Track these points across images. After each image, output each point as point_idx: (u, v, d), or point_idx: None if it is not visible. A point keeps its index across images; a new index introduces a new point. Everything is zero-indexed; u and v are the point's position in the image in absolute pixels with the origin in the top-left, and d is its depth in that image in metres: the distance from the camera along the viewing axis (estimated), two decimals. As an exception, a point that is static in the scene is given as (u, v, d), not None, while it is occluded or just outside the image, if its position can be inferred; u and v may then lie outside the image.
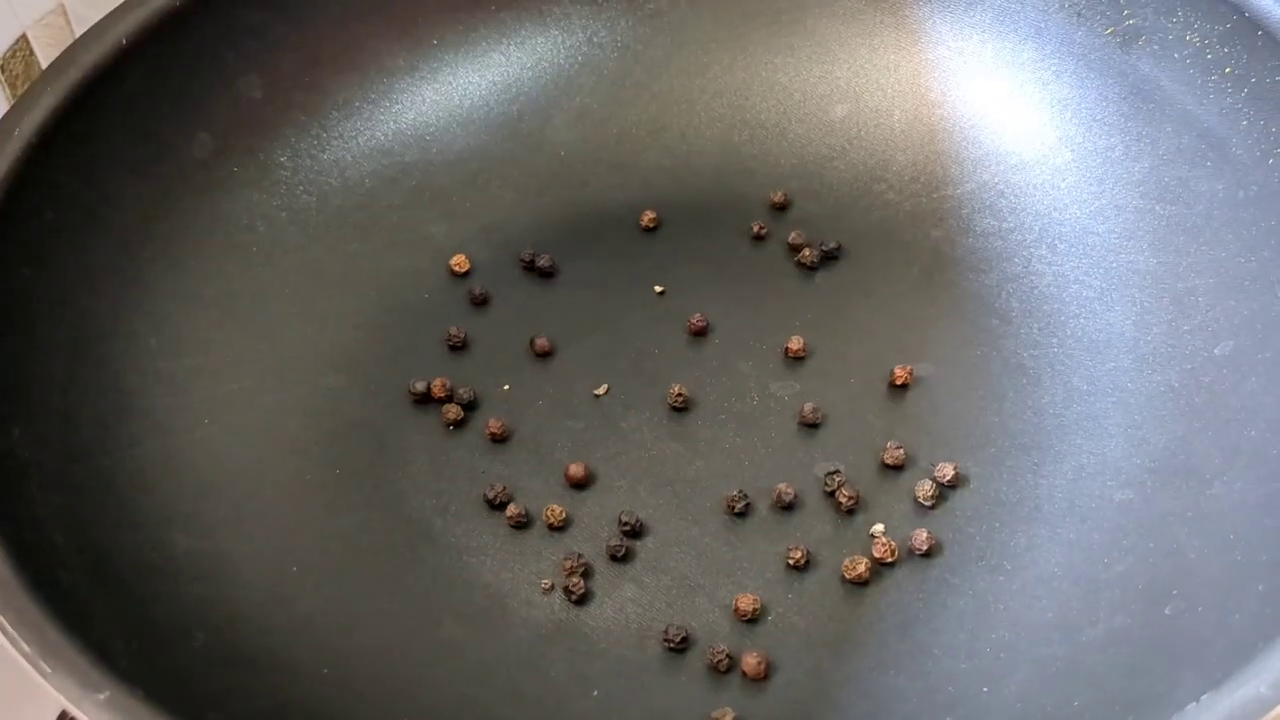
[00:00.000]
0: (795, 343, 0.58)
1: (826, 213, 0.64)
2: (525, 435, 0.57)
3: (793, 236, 0.62)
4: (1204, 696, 0.34)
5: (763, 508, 0.53)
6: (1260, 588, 0.41)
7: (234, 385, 0.57)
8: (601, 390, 0.57)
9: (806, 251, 0.62)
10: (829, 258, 0.62)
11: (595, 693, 0.48)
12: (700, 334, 0.60)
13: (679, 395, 0.56)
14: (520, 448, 0.56)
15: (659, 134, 0.68)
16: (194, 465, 0.53)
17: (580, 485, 0.54)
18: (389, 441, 0.56)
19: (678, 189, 0.66)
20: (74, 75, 0.54)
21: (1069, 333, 0.57)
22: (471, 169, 0.66)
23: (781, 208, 0.64)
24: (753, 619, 0.49)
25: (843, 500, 0.53)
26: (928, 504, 0.52)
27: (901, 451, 0.54)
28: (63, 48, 0.55)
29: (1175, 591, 0.45)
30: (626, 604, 0.51)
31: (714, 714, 0.46)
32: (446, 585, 0.51)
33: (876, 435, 0.55)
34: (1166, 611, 0.45)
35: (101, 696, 0.36)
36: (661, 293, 0.61)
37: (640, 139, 0.67)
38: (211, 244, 0.60)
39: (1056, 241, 0.60)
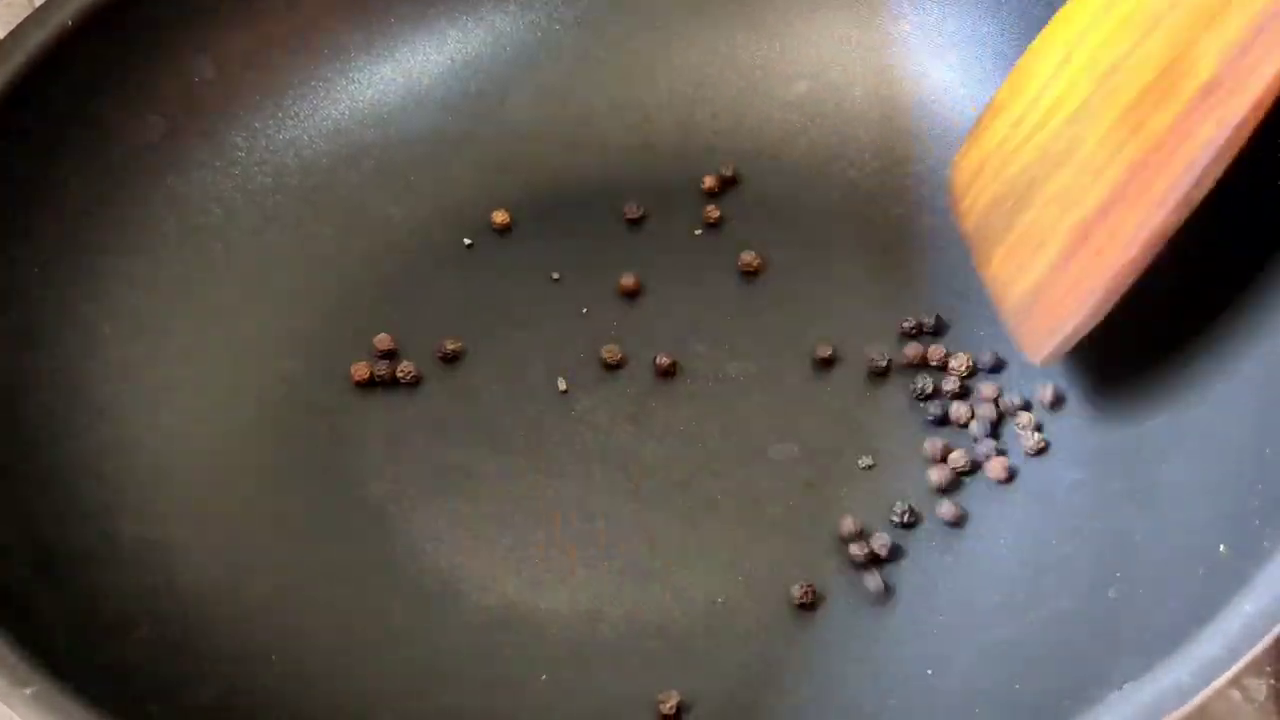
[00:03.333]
0: (751, 322, 0.58)
1: (786, 191, 0.64)
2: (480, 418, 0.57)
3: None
4: (1126, 685, 0.34)
5: (717, 491, 0.53)
6: (1201, 570, 0.41)
7: (188, 370, 0.57)
8: (562, 387, 0.57)
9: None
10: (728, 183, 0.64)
11: (544, 677, 0.48)
12: (659, 317, 0.59)
13: (614, 359, 0.57)
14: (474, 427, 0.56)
15: (620, 112, 0.67)
16: (144, 452, 0.53)
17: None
18: (343, 426, 0.56)
19: (639, 168, 0.65)
20: (18, 59, 0.54)
21: (1025, 312, 0.57)
22: (429, 148, 0.66)
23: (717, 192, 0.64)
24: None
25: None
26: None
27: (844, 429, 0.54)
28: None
29: (1119, 574, 0.45)
30: (578, 589, 0.51)
31: (659, 697, 0.46)
32: (399, 571, 0.51)
33: (831, 416, 0.55)
34: (1110, 594, 0.45)
35: (28, 691, 0.36)
36: (469, 245, 0.62)
37: (601, 117, 0.67)
38: (165, 228, 0.60)
39: (1015, 219, 0.60)
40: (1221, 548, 0.41)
